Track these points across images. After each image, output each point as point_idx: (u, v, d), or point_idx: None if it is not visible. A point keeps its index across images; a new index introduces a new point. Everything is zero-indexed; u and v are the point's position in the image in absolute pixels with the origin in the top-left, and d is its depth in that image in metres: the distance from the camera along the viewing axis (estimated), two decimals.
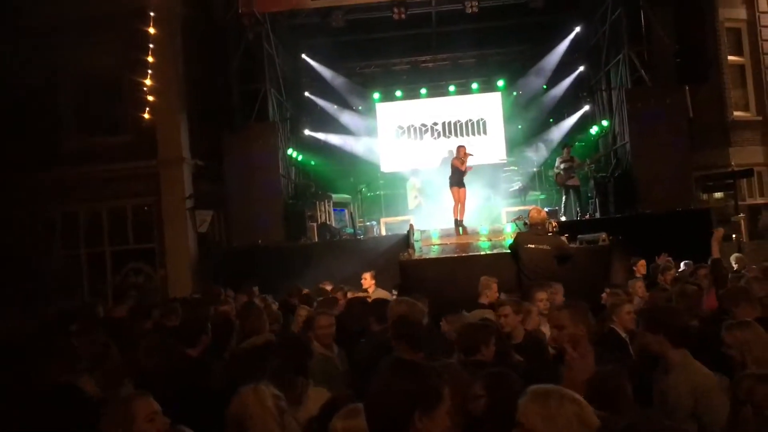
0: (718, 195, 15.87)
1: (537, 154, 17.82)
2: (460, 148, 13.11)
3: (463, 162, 12.84)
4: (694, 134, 14.11)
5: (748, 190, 15.89)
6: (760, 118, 16.29)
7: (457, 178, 12.90)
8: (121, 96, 14.31)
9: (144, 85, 13.43)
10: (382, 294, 8.62)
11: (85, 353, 4.13)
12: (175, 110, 14.11)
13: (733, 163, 15.17)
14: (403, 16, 14.78)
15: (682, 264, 9.50)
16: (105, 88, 14.53)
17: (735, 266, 9.40)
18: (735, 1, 16.27)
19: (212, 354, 4.93)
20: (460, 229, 12.41)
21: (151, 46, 13.37)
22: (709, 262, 6.31)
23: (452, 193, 12.95)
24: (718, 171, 15.15)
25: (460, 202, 12.88)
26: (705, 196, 15.34)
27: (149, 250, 14.36)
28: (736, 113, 16.16)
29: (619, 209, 13.98)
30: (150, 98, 13.49)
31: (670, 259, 9.34)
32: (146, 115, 13.54)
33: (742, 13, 16.33)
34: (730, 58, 16.20)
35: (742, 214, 14.73)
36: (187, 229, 14.05)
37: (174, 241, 13.99)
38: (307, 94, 17.95)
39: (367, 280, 9.68)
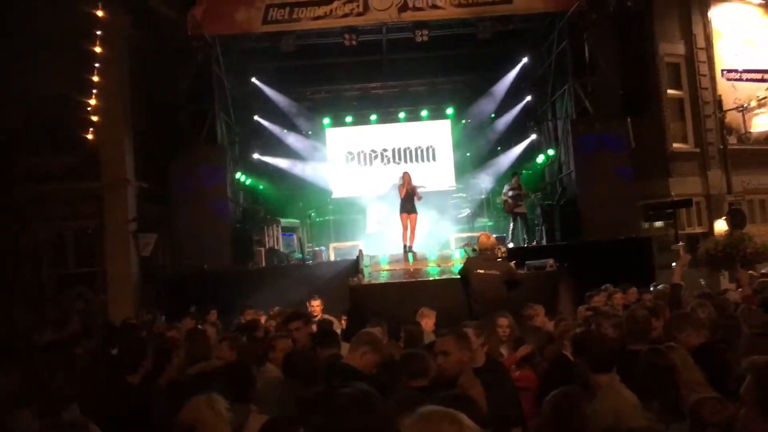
0: (658, 224, 16.35)
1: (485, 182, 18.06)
2: (404, 174, 13.23)
3: (403, 186, 12.93)
4: (636, 165, 14.51)
5: (687, 220, 16.41)
6: (698, 150, 16.91)
7: (405, 205, 12.98)
8: (65, 116, 13.93)
9: (89, 105, 13.13)
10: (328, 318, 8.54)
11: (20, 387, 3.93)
12: (120, 131, 13.83)
13: (673, 193, 15.67)
14: (354, 42, 14.91)
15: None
16: (49, 107, 14.12)
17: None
18: (674, 36, 16.95)
19: (152, 380, 4.76)
20: (410, 255, 12.44)
21: (97, 65, 13.09)
22: (661, 287, 6.44)
23: (401, 219, 13.00)
24: (659, 201, 15.61)
25: (408, 229, 12.94)
26: (646, 225, 15.75)
27: (91, 274, 13.92)
28: (675, 145, 16.74)
29: (564, 236, 14.24)
30: (95, 118, 13.18)
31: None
32: (90, 136, 13.21)
33: (681, 48, 17.00)
34: (669, 91, 16.82)
35: (681, 243, 15.16)
36: (130, 253, 13.70)
37: (116, 265, 13.62)
38: (256, 117, 17.80)
39: (315, 308, 9.52)
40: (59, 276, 13.97)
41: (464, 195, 17.59)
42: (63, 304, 13.57)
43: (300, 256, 14.87)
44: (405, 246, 12.86)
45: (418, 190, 13.13)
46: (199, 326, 8.03)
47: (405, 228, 13.01)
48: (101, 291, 13.63)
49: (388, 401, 3.09)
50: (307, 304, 9.25)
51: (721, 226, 15.65)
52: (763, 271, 13.89)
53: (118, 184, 13.80)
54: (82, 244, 14.05)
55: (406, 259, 12.31)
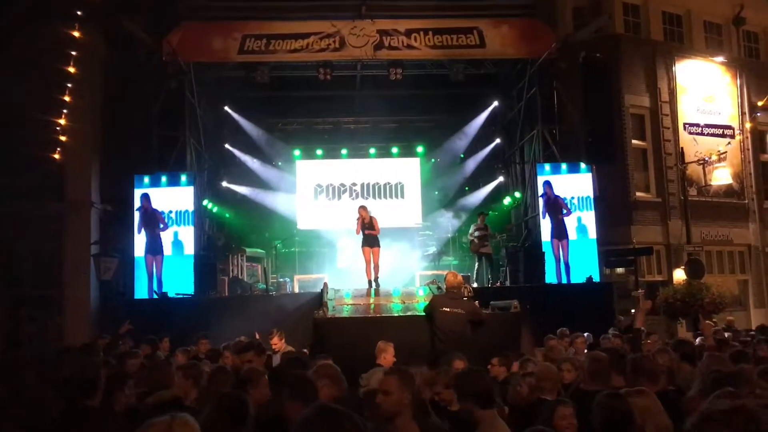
0: (620, 270, 16.61)
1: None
2: (361, 209, 13.34)
3: (364, 226, 13.01)
4: (600, 211, 14.80)
5: (648, 267, 16.71)
6: (659, 199, 17.31)
7: (367, 239, 13.05)
8: (32, 135, 13.70)
9: (58, 125, 12.96)
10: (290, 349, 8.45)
11: None
12: (87, 153, 13.68)
13: (634, 241, 15.97)
14: (329, 77, 15.06)
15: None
16: (16, 125, 13.88)
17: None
18: (639, 89, 17.46)
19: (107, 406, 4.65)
20: (373, 290, 12.44)
21: (69, 86, 12.97)
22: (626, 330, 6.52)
23: (363, 253, 13.06)
24: (621, 247, 15.88)
25: (372, 263, 12.98)
26: (608, 271, 15.99)
27: (48, 297, 13.57)
28: (638, 194, 17.11)
29: (528, 278, 14.37)
30: (63, 138, 13.01)
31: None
32: (57, 156, 13.02)
33: (645, 101, 17.51)
34: (634, 142, 17.25)
35: (641, 290, 15.41)
36: (90, 277, 13.43)
37: (75, 289, 13.32)
38: (227, 146, 17.77)
39: (276, 342, 9.39)
40: (14, 297, 13.59)
41: (431, 233, 17.70)
42: (15, 326, 13.22)
43: (264, 286, 14.74)
44: (369, 281, 12.88)
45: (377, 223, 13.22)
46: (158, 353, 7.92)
47: (368, 262, 13.05)
48: (58, 314, 13.29)
49: None
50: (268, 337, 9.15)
51: (680, 275, 15.96)
52: (729, 318, 14.26)
53: (81, 205, 13.58)
54: (39, 266, 13.72)
55: (369, 294, 12.30)
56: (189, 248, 14.01)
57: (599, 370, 4.91)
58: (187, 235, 14.06)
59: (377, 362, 6.98)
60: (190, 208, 14.11)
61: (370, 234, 13.08)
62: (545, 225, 14.61)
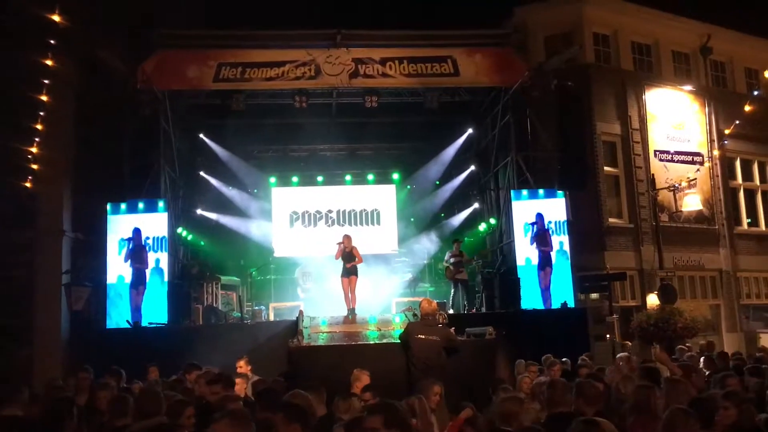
0: (594, 295, 16.74)
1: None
2: (345, 237, 13.40)
3: (345, 254, 13.05)
4: (573, 237, 14.94)
5: (621, 293, 16.86)
6: (631, 225, 17.56)
7: (345, 268, 13.10)
8: (3, 162, 13.53)
9: (30, 153, 12.82)
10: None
11: None
12: (59, 181, 13.52)
13: (608, 266, 16.14)
14: (304, 104, 15.14)
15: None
16: None
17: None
18: (611, 117, 17.79)
19: None
20: (349, 316, 12.41)
21: (41, 114, 12.85)
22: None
23: (342, 283, 13.13)
24: (595, 273, 16.03)
25: (349, 291, 12.98)
26: (582, 296, 16.10)
27: (17, 327, 13.28)
28: (611, 220, 17.35)
29: (504, 304, 14.41)
30: (34, 166, 12.86)
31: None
32: (28, 184, 12.86)
33: (617, 128, 17.83)
34: (606, 168, 17.52)
35: (615, 315, 15.54)
36: (61, 306, 13.20)
37: (45, 318, 13.06)
38: (202, 173, 17.69)
39: (243, 367, 9.29)
40: None
41: (407, 259, 17.72)
42: None
43: (239, 315, 14.60)
44: (349, 310, 12.85)
45: (359, 253, 13.27)
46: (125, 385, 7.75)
47: (347, 292, 13.05)
48: (27, 345, 13.00)
49: None
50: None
51: (653, 300, 16.11)
52: (702, 342, 14.38)
53: (52, 234, 13.38)
54: (10, 295, 13.45)
55: (347, 321, 12.25)
56: (167, 275, 13.92)
57: (557, 396, 5.01)
58: (166, 261, 13.96)
59: (352, 390, 6.95)
60: (165, 233, 14.03)
61: (351, 264, 13.12)
62: (522, 251, 14.69)
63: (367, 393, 5.95)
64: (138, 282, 13.53)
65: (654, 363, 7.62)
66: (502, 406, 5.02)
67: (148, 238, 13.85)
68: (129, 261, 13.50)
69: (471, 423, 5.50)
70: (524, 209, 14.91)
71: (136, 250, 13.60)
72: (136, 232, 13.68)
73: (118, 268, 13.63)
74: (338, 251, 13.21)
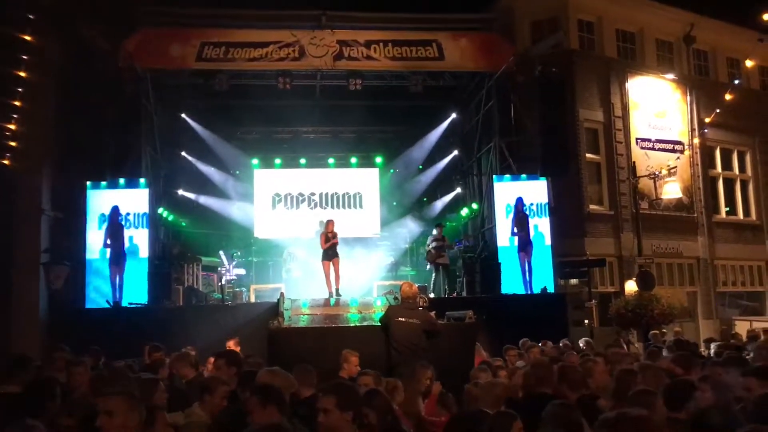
0: (573, 281, 16.90)
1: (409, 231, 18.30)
2: (329, 222, 13.30)
3: (330, 240, 13.00)
4: (554, 223, 15.05)
5: (600, 279, 17.04)
6: (612, 212, 17.71)
7: (327, 252, 13.04)
8: None
9: (8, 130, 12.62)
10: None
11: None
12: (38, 159, 13.32)
13: (587, 253, 16.28)
14: (288, 86, 15.05)
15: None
16: None
17: (584, 348, 9.97)
18: (594, 104, 17.87)
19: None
20: (332, 300, 12.41)
21: (20, 90, 12.64)
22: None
23: (323, 267, 13.05)
24: (575, 259, 16.17)
25: (333, 274, 12.97)
26: (562, 282, 16.25)
27: None
28: (591, 206, 17.48)
29: (484, 289, 14.52)
30: (13, 144, 12.67)
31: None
32: (7, 162, 12.67)
33: (599, 115, 17.92)
34: (587, 155, 17.62)
35: (594, 301, 15.72)
36: (39, 286, 13.09)
37: (23, 298, 12.93)
38: (184, 153, 17.54)
39: (231, 345, 9.35)
40: None
41: (388, 243, 17.76)
42: None
43: (219, 296, 14.58)
44: (330, 293, 12.84)
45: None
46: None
47: (328, 275, 13.03)
48: (5, 325, 12.88)
49: None
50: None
51: (631, 286, 16.30)
52: (676, 329, 14.59)
53: (31, 213, 13.23)
54: None
55: (327, 304, 12.25)
56: (144, 252, 13.86)
57: (540, 374, 5.05)
58: (142, 238, 13.88)
59: (340, 372, 6.97)
60: (146, 210, 13.93)
61: (331, 247, 13.06)
62: (504, 233, 14.78)
63: (366, 377, 5.85)
64: (117, 259, 13.44)
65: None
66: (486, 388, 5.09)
67: (128, 213, 13.79)
68: (107, 240, 13.41)
69: (441, 400, 5.56)
70: (506, 190, 15.03)
71: (113, 229, 13.50)
72: (114, 210, 13.57)
73: (99, 244, 13.56)
74: (322, 240, 13.13)
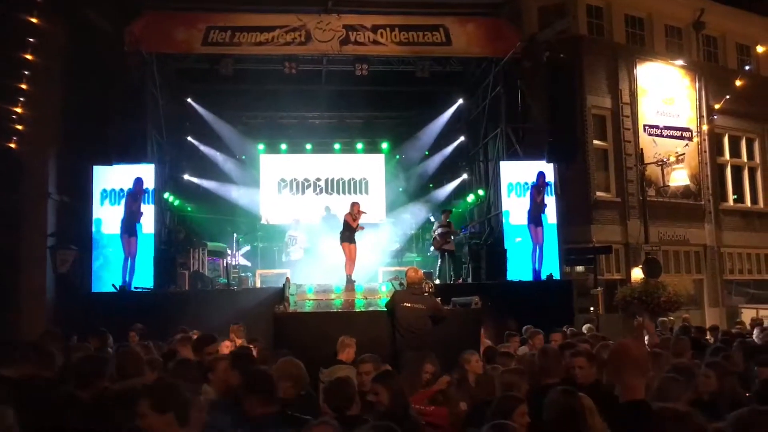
0: (579, 268, 16.87)
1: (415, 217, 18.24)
2: (355, 204, 13.13)
3: (356, 219, 12.84)
4: (561, 210, 14.99)
5: (606, 266, 17.00)
6: (619, 199, 17.63)
7: (349, 234, 12.87)
8: None
9: (14, 113, 12.62)
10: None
11: None
12: (45, 142, 13.34)
13: (594, 240, 16.23)
14: (294, 71, 14.97)
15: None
16: None
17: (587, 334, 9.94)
18: (602, 90, 17.74)
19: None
20: (344, 285, 12.34)
21: (26, 73, 12.63)
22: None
23: (343, 248, 12.88)
24: (581, 246, 16.13)
25: (350, 259, 12.83)
26: (568, 269, 16.22)
27: (2, 291, 13.20)
28: (598, 193, 17.41)
29: (490, 275, 14.49)
30: (19, 127, 12.68)
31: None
32: (13, 146, 12.69)
33: (607, 102, 17.80)
34: (595, 142, 17.53)
35: (600, 288, 15.70)
36: (47, 270, 13.14)
37: (31, 282, 12.99)
38: (189, 138, 17.52)
39: (236, 333, 9.36)
40: None
41: (394, 229, 17.71)
42: None
43: (225, 281, 14.59)
44: (348, 276, 12.66)
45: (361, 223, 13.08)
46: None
47: (347, 258, 12.82)
48: (13, 309, 12.93)
49: None
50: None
51: (637, 273, 16.25)
52: (685, 315, 14.57)
53: (38, 197, 13.25)
54: None
55: (333, 289, 12.17)
56: (147, 227, 13.83)
57: (549, 364, 5.03)
58: (148, 215, 13.86)
59: (339, 357, 6.99)
60: (152, 186, 13.95)
61: (352, 230, 12.85)
62: (517, 212, 14.74)
63: (367, 365, 5.80)
64: (130, 228, 13.47)
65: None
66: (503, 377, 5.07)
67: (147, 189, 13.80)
68: (125, 202, 13.48)
69: (444, 393, 5.53)
70: (513, 170, 15.05)
71: (136, 194, 13.55)
72: (138, 180, 13.63)
73: (107, 224, 13.58)
74: (357, 221, 12.92)
